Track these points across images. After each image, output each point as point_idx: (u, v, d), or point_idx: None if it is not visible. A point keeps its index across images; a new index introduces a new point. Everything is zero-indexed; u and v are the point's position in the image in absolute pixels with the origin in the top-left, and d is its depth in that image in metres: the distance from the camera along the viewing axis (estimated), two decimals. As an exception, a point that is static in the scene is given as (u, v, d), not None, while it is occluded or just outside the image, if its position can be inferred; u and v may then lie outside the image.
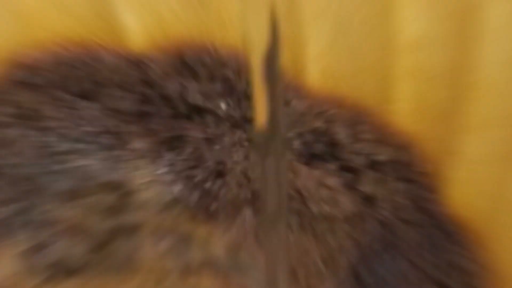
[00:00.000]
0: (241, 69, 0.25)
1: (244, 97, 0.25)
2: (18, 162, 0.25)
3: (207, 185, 0.25)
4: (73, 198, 0.26)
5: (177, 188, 0.25)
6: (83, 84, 0.26)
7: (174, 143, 0.25)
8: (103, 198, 0.26)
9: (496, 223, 0.24)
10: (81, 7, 0.26)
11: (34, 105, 0.26)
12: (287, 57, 0.26)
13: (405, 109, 0.25)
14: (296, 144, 0.25)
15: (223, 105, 0.25)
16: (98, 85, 0.26)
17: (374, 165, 0.25)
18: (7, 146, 0.25)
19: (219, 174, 0.25)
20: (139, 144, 0.26)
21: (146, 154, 0.25)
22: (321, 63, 0.25)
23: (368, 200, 0.25)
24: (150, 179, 0.25)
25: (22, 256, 0.25)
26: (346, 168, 0.25)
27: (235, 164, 0.25)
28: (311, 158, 0.25)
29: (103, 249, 0.27)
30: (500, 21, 0.27)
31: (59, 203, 0.25)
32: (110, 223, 0.26)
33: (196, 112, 0.25)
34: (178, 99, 0.25)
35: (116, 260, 0.27)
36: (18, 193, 0.26)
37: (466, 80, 0.24)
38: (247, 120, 0.25)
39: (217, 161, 0.25)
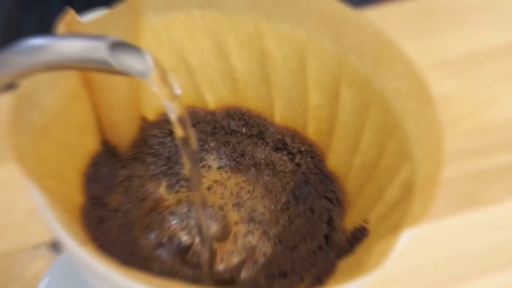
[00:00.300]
0: (251, 117, 0.31)
1: (252, 128, 0.31)
2: (168, 151, 0.30)
3: (238, 159, 0.31)
4: (191, 163, 0.29)
5: (225, 161, 0.31)
6: (191, 120, 0.30)
7: (225, 143, 0.31)
8: (198, 164, 0.31)
9: (346, 172, 0.29)
10: (189, 90, 0.30)
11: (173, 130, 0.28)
12: (266, 111, 0.30)
13: (312, 130, 0.30)
14: (271, 144, 0.31)
15: (244, 129, 0.31)
16: (197, 121, 0.31)
17: (300, 152, 0.30)
18: (163, 145, 0.31)
19: (242, 155, 0.31)
20: (212, 144, 0.31)
21: (215, 148, 0.31)
22: (280, 113, 0.30)
23: (298, 164, 0.30)
24: (216, 157, 0.31)
25: (166, 187, 0.30)
26: (289, 153, 0.31)
27: (248, 151, 0.31)
28: (276, 149, 0.31)
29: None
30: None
31: (182, 167, 0.31)
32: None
33: (234, 132, 0.31)
34: (227, 127, 0.31)
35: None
36: (164, 162, 0.31)
37: (333, 119, 0.29)
38: (252, 135, 0.31)
39: (242, 150, 0.31)
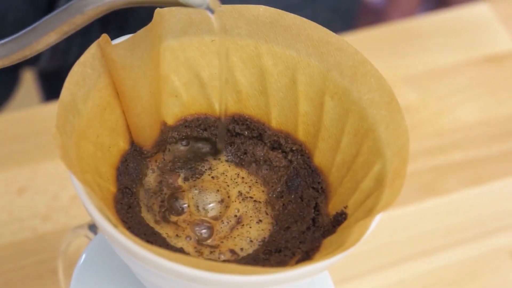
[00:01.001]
0: (252, 122, 0.30)
1: (253, 131, 0.30)
2: (188, 149, 0.30)
3: (241, 156, 0.30)
4: (206, 159, 0.30)
5: (232, 156, 0.30)
6: (203, 125, 0.30)
7: (231, 144, 0.31)
8: (213, 159, 0.30)
9: (329, 167, 0.28)
10: (201, 100, 0.30)
11: (189, 133, 0.30)
12: (264, 117, 0.30)
13: (301, 133, 0.29)
14: (268, 144, 0.30)
15: (246, 132, 0.30)
16: (208, 126, 0.30)
17: (292, 151, 0.30)
18: (181, 143, 0.30)
19: (245, 153, 0.30)
20: (221, 144, 0.31)
21: (224, 147, 0.30)
22: (276, 119, 0.30)
23: (290, 161, 0.30)
24: (225, 154, 0.31)
25: (183, 179, 0.30)
26: (283, 152, 0.30)
27: (250, 150, 0.30)
28: (273, 149, 0.30)
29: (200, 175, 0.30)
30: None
31: (198, 163, 0.30)
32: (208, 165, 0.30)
33: (238, 135, 0.30)
34: (232, 131, 0.30)
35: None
36: (190, 157, 0.30)
37: (319, 124, 0.29)
38: (253, 137, 0.30)
39: (244, 149, 0.30)
